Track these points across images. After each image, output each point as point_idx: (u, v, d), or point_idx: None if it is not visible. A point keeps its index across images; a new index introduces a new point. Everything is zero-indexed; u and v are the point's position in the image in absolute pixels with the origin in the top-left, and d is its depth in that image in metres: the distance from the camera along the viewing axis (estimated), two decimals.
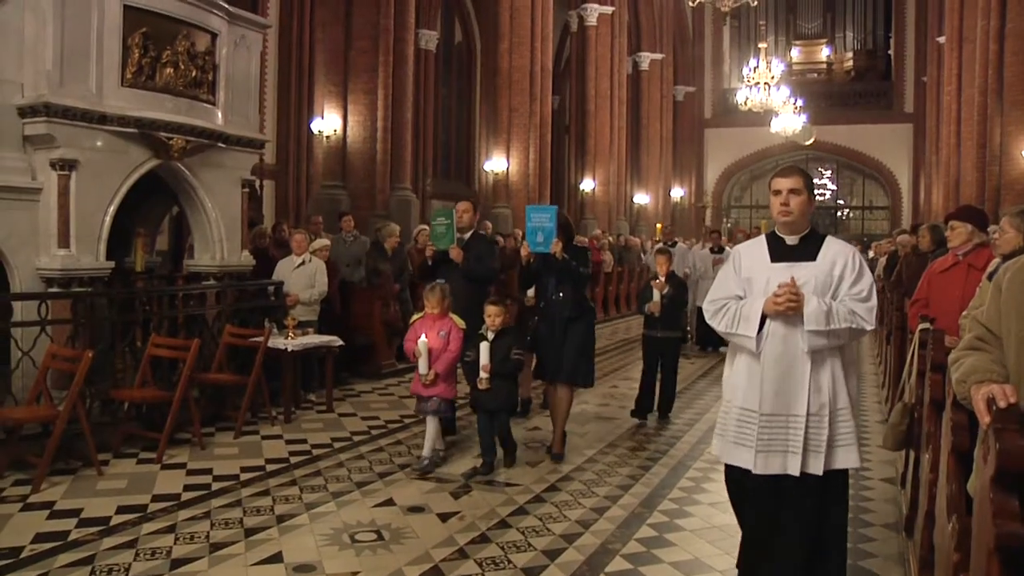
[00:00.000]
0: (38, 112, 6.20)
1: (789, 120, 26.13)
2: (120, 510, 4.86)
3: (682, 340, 12.10)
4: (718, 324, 3.52)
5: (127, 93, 6.72)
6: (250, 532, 4.55)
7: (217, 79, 7.54)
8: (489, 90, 20.76)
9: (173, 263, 9.12)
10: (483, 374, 5.76)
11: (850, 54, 34.74)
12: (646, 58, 29.05)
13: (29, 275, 6.34)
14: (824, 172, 34.98)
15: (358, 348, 9.41)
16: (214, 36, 7.44)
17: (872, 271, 4.15)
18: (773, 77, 23.62)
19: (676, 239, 14.75)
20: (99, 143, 6.58)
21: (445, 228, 6.63)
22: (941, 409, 3.64)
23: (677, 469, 6.09)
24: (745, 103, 24.26)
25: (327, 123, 15.03)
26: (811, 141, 30.01)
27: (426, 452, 5.95)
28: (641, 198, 29.22)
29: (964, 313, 3.47)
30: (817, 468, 3.35)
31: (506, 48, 20.05)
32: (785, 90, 24.68)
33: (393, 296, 10.11)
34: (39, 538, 4.38)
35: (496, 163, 20.53)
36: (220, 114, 7.60)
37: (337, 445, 6.55)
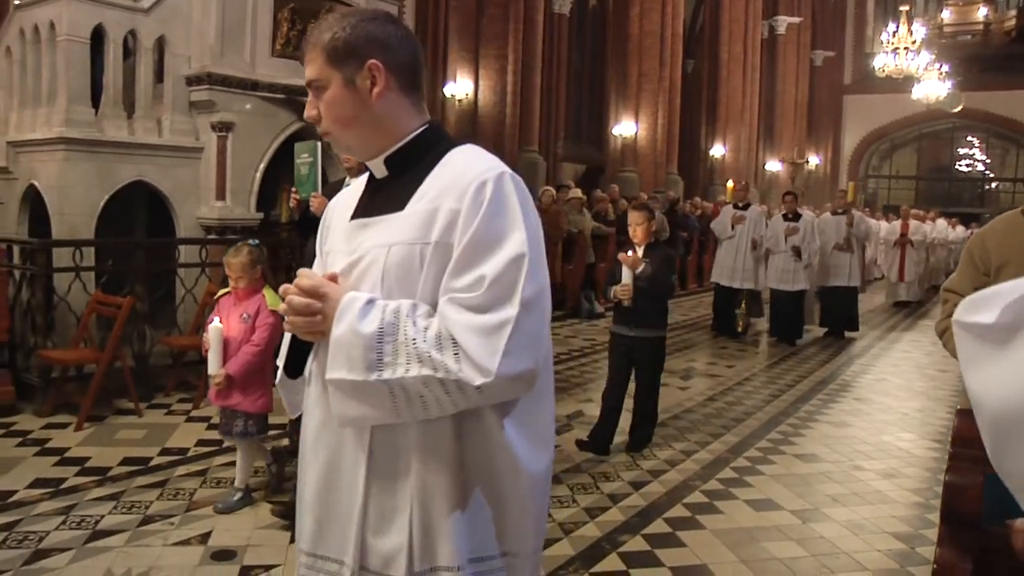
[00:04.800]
0: (202, 81, 7.06)
1: (933, 86, 25.09)
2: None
3: (736, 331, 10.59)
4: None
5: (276, 63, 7.48)
6: None
7: None
8: (619, 55, 20.90)
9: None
10: None
11: (1013, 12, 32.54)
12: (783, 22, 28.32)
13: (191, 223, 7.25)
14: (973, 142, 33.30)
15: None
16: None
17: None
18: (915, 41, 22.72)
19: (750, 201, 11.26)
20: (252, 107, 7.38)
21: (308, 168, 4.59)
22: None
23: (768, 425, 6.44)
24: (882, 70, 23.45)
25: (459, 87, 15.67)
26: (959, 108, 28.66)
27: (237, 483, 4.33)
28: (773, 165, 28.74)
29: (944, 286, 2.95)
30: None
31: (637, 13, 20.13)
32: (926, 55, 23.68)
33: None
34: (200, 443, 5.22)
35: (625, 127, 20.72)
36: None
37: None
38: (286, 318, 1.55)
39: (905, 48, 22.87)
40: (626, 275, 5.19)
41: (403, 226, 1.56)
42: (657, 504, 4.53)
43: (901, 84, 25.68)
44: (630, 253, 5.27)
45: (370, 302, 1.49)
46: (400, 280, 1.54)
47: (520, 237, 1.49)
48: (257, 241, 4.50)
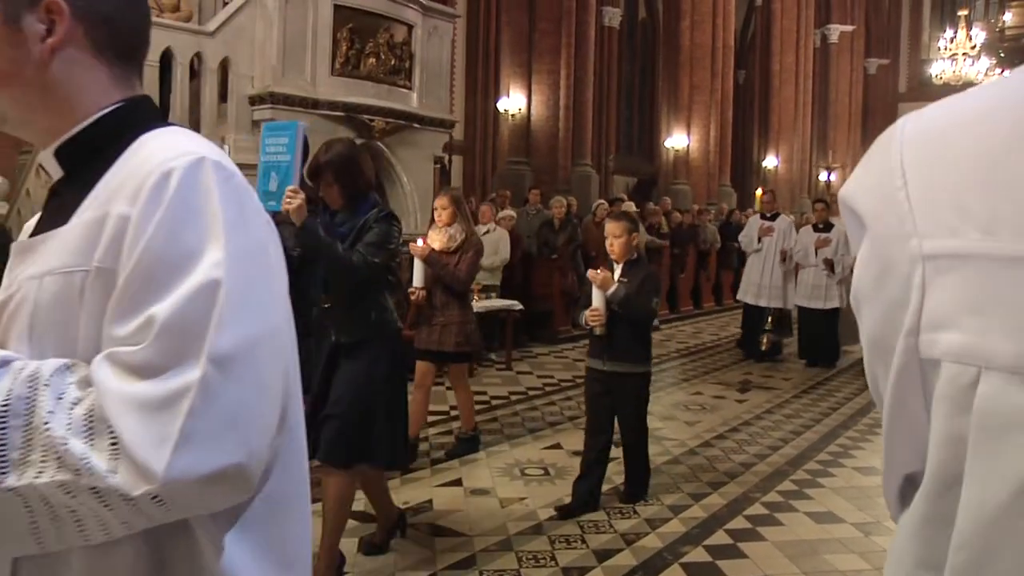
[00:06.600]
0: (264, 100, 7.28)
1: None
2: None
3: (759, 353, 9.89)
4: None
5: (336, 81, 7.67)
6: (435, 462, 5.29)
7: (412, 66, 8.40)
8: (670, 67, 20.89)
9: None
10: None
11: None
12: (835, 30, 27.95)
13: None
14: None
15: (537, 314, 10.12)
16: (410, 28, 8.30)
17: None
18: (974, 47, 22.32)
19: (779, 211, 10.33)
20: (313, 125, 7.55)
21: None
22: None
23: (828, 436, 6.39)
24: (939, 77, 23.07)
25: (512, 102, 15.80)
26: None
27: None
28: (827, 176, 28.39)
29: None
30: None
31: (687, 25, 20.13)
32: (986, 61, 23.23)
33: (570, 266, 10.74)
34: None
35: (677, 139, 20.66)
36: (415, 98, 8.46)
37: (514, 398, 7.25)
38: None
39: (963, 54, 22.48)
40: (596, 297, 4.31)
41: (61, 246, 0.99)
42: (718, 516, 4.54)
43: (959, 91, 25.13)
44: (599, 271, 4.37)
45: (3, 364, 0.92)
46: (54, 327, 0.98)
47: (215, 256, 0.92)
48: None
